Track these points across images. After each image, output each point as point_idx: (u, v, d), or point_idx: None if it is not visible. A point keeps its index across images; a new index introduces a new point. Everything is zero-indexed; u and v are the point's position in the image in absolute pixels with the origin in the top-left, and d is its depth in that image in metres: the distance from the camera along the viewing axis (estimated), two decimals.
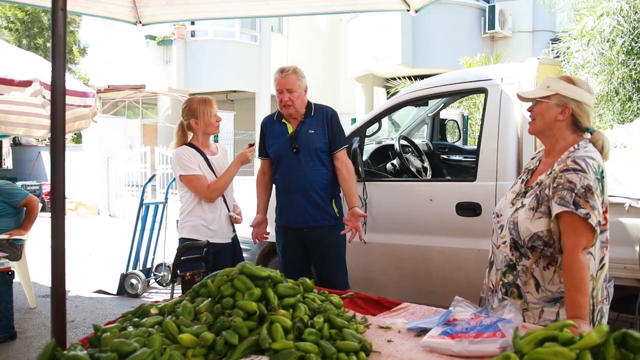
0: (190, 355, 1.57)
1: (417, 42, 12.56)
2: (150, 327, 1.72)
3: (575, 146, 1.98)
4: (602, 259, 1.97)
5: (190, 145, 3.19)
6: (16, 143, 15.98)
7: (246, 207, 3.60)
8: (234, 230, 3.32)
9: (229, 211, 3.26)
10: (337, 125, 3.30)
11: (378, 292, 3.77)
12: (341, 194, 3.41)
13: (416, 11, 3.58)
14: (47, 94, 3.92)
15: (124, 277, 5.36)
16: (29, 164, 15.14)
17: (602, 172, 1.92)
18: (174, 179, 3.62)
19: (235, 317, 1.65)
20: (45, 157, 14.86)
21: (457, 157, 5.10)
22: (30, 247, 5.92)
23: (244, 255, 4.52)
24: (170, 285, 2.61)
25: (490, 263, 2.18)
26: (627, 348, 1.33)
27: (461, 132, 5.86)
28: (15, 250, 4.71)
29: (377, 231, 3.74)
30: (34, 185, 13.79)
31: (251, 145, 3.21)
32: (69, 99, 4.29)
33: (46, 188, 13.88)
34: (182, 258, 2.48)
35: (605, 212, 1.95)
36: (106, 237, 9.46)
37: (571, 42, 4.26)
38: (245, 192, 4.01)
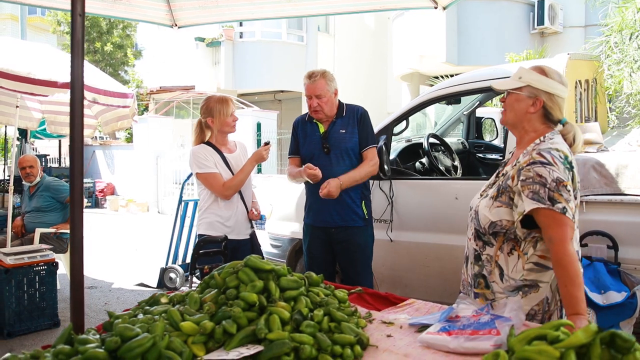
0: (190, 342, 1.64)
1: (462, 40, 12.34)
2: (157, 315, 1.81)
3: (541, 138, 1.94)
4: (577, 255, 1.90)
5: (208, 143, 3.25)
6: None
7: (266, 203, 3.64)
8: (252, 227, 3.37)
9: (246, 208, 3.30)
10: (367, 124, 3.28)
11: (404, 291, 3.78)
12: (371, 196, 3.38)
13: (444, 8, 3.55)
14: (89, 95, 4.14)
15: (164, 271, 5.56)
16: (84, 162, 15.84)
17: (571, 162, 1.88)
18: (190, 175, 3.71)
19: (235, 308, 1.71)
20: (100, 155, 15.56)
21: (493, 156, 5.00)
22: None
23: (275, 252, 4.63)
24: (189, 278, 2.71)
25: (466, 258, 2.17)
26: (615, 349, 1.30)
27: (499, 130, 5.72)
28: (61, 243, 4.99)
29: (404, 229, 3.74)
30: (88, 182, 14.45)
31: (267, 143, 3.26)
32: (110, 100, 4.51)
33: (100, 185, 14.54)
34: (201, 252, 2.57)
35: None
36: (153, 233, 9.81)
37: (611, 35, 4.09)
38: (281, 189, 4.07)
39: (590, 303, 2.78)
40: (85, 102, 4.78)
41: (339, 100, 3.32)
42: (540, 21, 11.92)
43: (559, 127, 1.99)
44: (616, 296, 2.76)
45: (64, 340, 1.71)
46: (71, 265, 1.96)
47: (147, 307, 1.95)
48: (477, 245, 2.05)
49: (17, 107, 4.61)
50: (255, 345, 1.62)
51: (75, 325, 1.95)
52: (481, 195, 2.07)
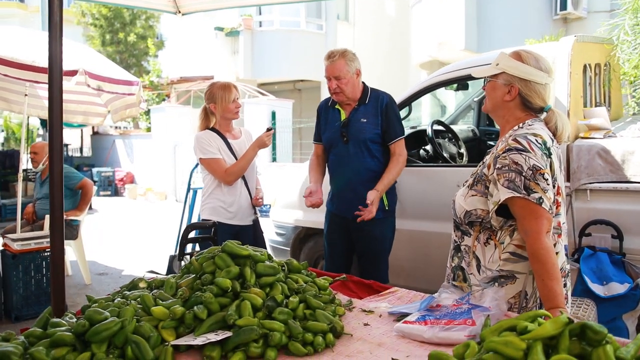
0: (160, 327, 1.62)
1: (482, 27, 12.06)
2: (134, 299, 1.80)
3: (520, 125, 1.86)
4: (554, 246, 1.81)
5: (213, 129, 3.26)
6: (94, 132, 17.05)
7: (274, 191, 3.62)
8: (256, 213, 3.37)
9: (250, 194, 3.30)
10: (393, 113, 3.10)
11: (407, 280, 3.72)
12: (396, 185, 3.23)
13: None
14: (93, 82, 4.16)
15: (172, 259, 5.58)
16: (105, 151, 16.14)
17: (549, 148, 1.79)
18: (197, 164, 3.72)
19: (207, 293, 1.69)
20: (120, 145, 15.77)
21: None
22: (96, 228, 6.24)
23: (280, 240, 4.61)
24: (179, 264, 2.71)
25: (450, 250, 2.10)
26: (586, 341, 1.24)
27: None
28: (71, 229, 5.05)
29: (406, 217, 3.67)
30: (108, 171, 14.68)
31: (269, 129, 3.23)
32: (115, 87, 4.53)
33: (119, 174, 14.75)
34: (189, 237, 2.57)
35: (557, 194, 1.82)
36: (169, 221, 9.90)
37: (626, 18, 3.93)
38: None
39: (591, 294, 2.69)
40: (93, 91, 4.82)
41: (364, 84, 3.15)
42: (563, 6, 11.53)
43: (543, 115, 1.91)
44: (618, 287, 2.66)
45: (42, 324, 1.72)
46: (51, 250, 1.96)
47: (126, 292, 1.95)
48: (456, 236, 2.00)
49: (25, 95, 4.67)
50: (224, 331, 1.60)
51: (56, 308, 1.95)
52: (463, 185, 2.01)
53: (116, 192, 14.45)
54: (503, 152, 1.79)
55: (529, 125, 1.85)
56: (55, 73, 1.86)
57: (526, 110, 1.89)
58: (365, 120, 3.08)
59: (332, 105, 3.21)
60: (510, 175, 1.75)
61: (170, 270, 5.55)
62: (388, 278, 3.26)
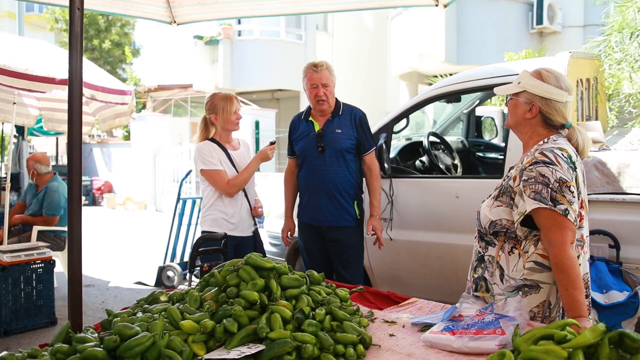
0: (190, 341, 1.61)
1: (462, 39, 12.34)
2: (157, 313, 1.78)
3: (545, 140, 1.93)
4: (577, 258, 1.86)
5: (213, 140, 3.26)
6: None
7: (267, 201, 3.65)
8: (255, 224, 3.38)
9: (250, 205, 3.31)
10: (366, 127, 3.31)
11: (404, 290, 3.75)
12: (364, 195, 3.40)
13: (445, 6, 3.52)
14: (87, 91, 4.10)
15: (161, 270, 5.53)
16: (82, 160, 15.80)
17: (574, 162, 1.86)
18: (188, 173, 3.70)
19: (236, 306, 1.68)
20: (97, 153, 15.49)
21: (492, 155, 4.98)
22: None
23: (274, 250, 4.61)
24: (188, 276, 2.69)
25: (471, 263, 2.14)
26: (624, 349, 1.28)
27: (498, 129, 5.70)
28: (59, 241, 4.95)
29: (404, 228, 3.72)
30: (86, 180, 14.39)
31: (272, 143, 3.25)
32: (109, 97, 4.48)
33: (97, 183, 14.48)
34: (200, 250, 2.55)
35: (581, 207, 1.88)
36: (150, 231, 9.77)
37: (612, 34, 4.07)
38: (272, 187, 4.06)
39: (592, 303, 2.76)
40: (83, 99, 4.75)
41: (336, 98, 3.32)
42: (539, 21, 11.91)
43: (565, 132, 1.97)
44: (618, 295, 2.74)
45: (62, 339, 1.68)
46: (69, 263, 1.93)
47: (147, 306, 1.93)
48: (480, 246, 2.04)
49: (14, 103, 4.58)
50: (256, 345, 1.59)
51: (74, 323, 1.93)
52: (488, 197, 2.06)
53: (94, 202, 14.17)
54: (529, 165, 1.84)
55: (554, 140, 1.91)
56: (75, 85, 1.85)
57: (547, 127, 1.95)
58: (340, 131, 3.23)
59: (305, 118, 3.34)
60: (537, 187, 1.79)
61: (158, 281, 5.52)
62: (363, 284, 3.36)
